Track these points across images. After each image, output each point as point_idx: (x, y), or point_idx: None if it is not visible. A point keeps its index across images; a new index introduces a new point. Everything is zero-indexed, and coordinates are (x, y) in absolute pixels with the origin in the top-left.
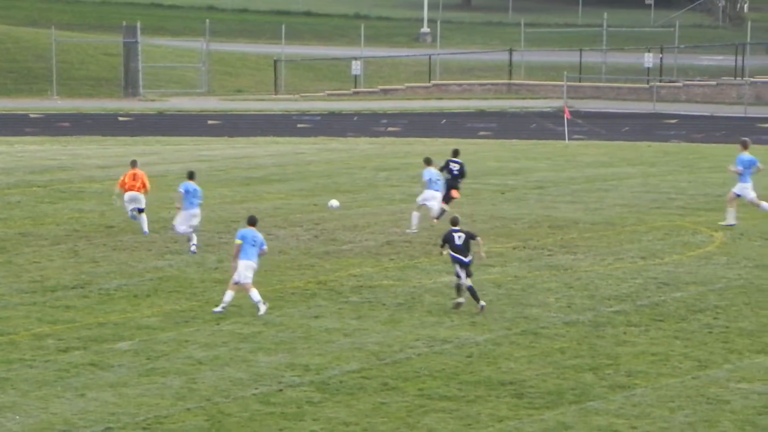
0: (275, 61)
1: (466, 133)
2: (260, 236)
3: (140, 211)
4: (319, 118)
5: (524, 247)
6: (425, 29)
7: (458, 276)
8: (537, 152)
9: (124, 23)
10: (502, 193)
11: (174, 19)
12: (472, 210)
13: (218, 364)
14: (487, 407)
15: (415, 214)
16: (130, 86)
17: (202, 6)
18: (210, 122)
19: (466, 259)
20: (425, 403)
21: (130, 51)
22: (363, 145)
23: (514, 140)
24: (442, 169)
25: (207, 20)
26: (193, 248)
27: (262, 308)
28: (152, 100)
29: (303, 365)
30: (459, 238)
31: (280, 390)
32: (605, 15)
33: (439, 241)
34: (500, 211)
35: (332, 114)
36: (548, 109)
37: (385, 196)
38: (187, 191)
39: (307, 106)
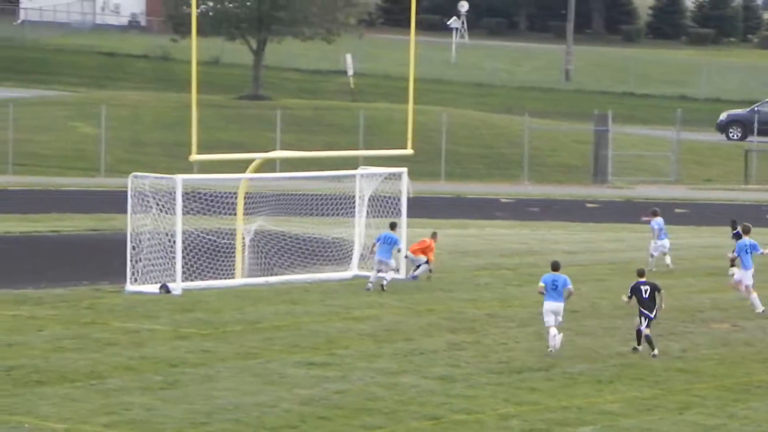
0: (746, 151)
1: None
2: (562, 278)
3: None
4: None
5: None
6: None
7: (640, 324)
8: None
9: (596, 111)
10: None
11: (645, 108)
12: None
13: None
14: None
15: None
16: (599, 173)
17: (674, 95)
18: (677, 210)
19: (651, 315)
20: None
21: (600, 139)
22: None
23: None
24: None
25: (679, 109)
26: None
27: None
28: (620, 188)
29: None
30: (645, 292)
31: None
32: None
33: (627, 292)
34: None
35: None
36: None
37: None
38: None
39: None
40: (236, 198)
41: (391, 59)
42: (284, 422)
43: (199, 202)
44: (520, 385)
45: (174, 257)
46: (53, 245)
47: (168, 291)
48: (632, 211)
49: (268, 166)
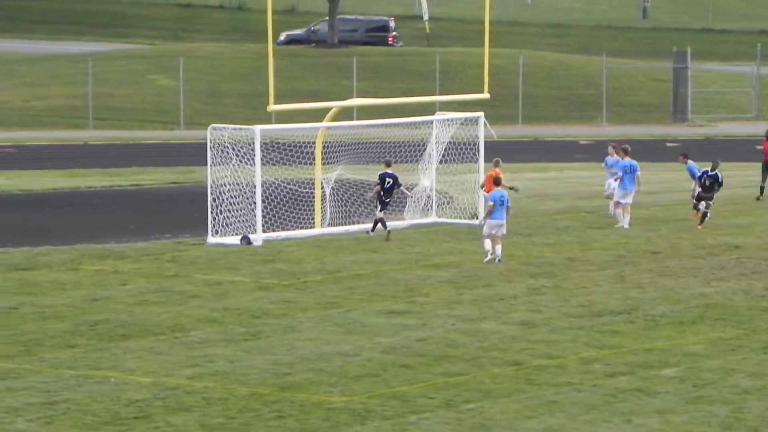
0: None
1: None
2: (507, 195)
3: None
4: None
5: None
6: None
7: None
8: None
9: (675, 49)
10: None
11: (725, 44)
12: None
13: (766, 393)
14: None
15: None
16: (678, 112)
17: (754, 30)
18: (758, 147)
19: (387, 201)
20: None
21: (679, 77)
22: None
23: None
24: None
25: (758, 44)
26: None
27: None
28: (700, 126)
29: None
30: (387, 183)
31: None
32: None
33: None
34: None
35: None
36: None
37: None
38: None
39: None
40: (314, 147)
41: (467, 2)
42: (366, 371)
43: (277, 152)
44: (601, 329)
45: (254, 208)
46: (135, 199)
47: (249, 242)
48: (713, 149)
49: (345, 114)
